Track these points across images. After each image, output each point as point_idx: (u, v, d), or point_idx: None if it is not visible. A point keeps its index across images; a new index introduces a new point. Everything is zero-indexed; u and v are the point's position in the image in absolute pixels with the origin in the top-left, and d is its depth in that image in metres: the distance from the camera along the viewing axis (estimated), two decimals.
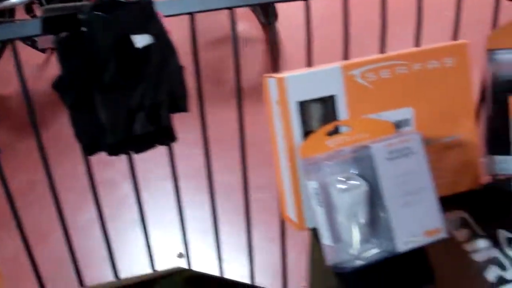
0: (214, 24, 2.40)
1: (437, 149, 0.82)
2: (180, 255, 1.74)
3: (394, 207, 0.71)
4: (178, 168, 1.00)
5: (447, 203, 0.82)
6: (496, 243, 0.77)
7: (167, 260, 1.67)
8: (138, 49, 0.73)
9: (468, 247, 0.78)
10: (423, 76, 0.79)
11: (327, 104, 0.78)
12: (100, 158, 0.85)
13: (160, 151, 0.88)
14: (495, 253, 0.76)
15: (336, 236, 0.72)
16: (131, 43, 0.73)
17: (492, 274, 0.74)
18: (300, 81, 0.76)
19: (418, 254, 0.76)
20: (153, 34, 0.74)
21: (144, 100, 0.74)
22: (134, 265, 1.13)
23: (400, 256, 0.72)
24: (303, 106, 0.77)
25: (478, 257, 0.76)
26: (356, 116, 0.78)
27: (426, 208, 0.72)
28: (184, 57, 0.84)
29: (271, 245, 1.26)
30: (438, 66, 0.80)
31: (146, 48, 0.74)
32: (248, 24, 2.88)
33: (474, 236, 0.79)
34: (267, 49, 2.77)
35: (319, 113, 0.78)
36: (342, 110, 0.78)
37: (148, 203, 1.07)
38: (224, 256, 1.11)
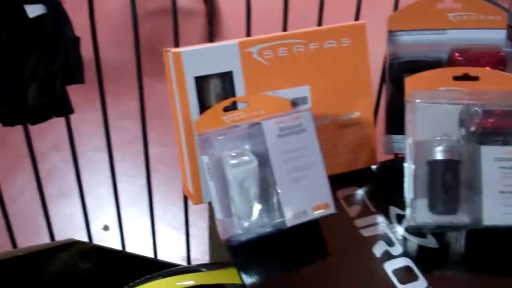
0: None
1: (335, 127, 0.84)
2: (106, 228, 1.74)
3: (283, 183, 0.73)
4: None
5: (343, 180, 0.85)
6: (386, 220, 0.80)
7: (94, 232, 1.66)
8: (30, 18, 0.72)
9: (358, 222, 0.80)
10: (320, 55, 0.81)
11: (225, 80, 0.79)
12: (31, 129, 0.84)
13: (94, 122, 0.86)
14: (385, 229, 0.79)
15: (227, 211, 0.73)
16: (23, 12, 0.72)
17: (379, 249, 0.76)
18: (196, 56, 0.77)
19: (311, 228, 0.78)
20: (46, 4, 0.73)
21: (37, 70, 0.73)
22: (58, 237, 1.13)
23: (292, 230, 0.74)
24: (202, 81, 0.78)
25: (368, 233, 0.79)
26: (253, 92, 0.79)
27: (315, 184, 0.74)
28: (123, 27, 0.83)
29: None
30: (335, 46, 0.81)
31: (39, 17, 0.73)
32: None
33: (366, 212, 0.81)
34: (206, 22, 2.75)
35: (217, 89, 0.79)
36: (240, 86, 0.79)
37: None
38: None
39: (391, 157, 0.94)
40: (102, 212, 1.68)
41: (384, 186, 0.86)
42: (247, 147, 0.75)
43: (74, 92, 0.85)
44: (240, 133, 0.74)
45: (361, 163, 0.86)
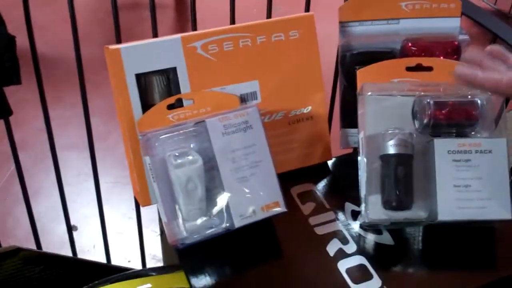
0: None
1: (286, 122, 0.81)
2: (73, 228, 1.70)
3: (230, 182, 0.70)
4: (73, 139, 0.96)
5: (298, 176, 0.82)
6: (341, 217, 0.78)
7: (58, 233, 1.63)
8: None
9: (313, 220, 0.77)
10: (268, 48, 0.78)
11: (169, 77, 0.76)
12: None
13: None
14: (339, 226, 0.76)
15: (173, 213, 0.70)
16: None
17: (333, 248, 0.74)
18: (137, 53, 0.73)
19: (264, 228, 0.75)
20: None
21: None
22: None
23: (243, 230, 0.71)
24: (144, 78, 0.75)
25: (322, 231, 0.76)
26: (198, 89, 0.76)
27: (264, 183, 0.71)
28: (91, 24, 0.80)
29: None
30: (283, 39, 0.78)
31: None
32: None
33: (321, 209, 0.79)
34: (176, 16, 2.71)
35: (161, 86, 0.76)
36: (184, 83, 0.76)
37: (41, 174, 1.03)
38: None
39: (350, 151, 0.91)
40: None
41: (340, 182, 0.83)
42: (192, 146, 0.72)
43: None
44: (184, 132, 0.71)
45: (315, 159, 0.83)
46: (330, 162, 0.86)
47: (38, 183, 1.69)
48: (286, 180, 0.81)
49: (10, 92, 0.83)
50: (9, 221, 1.69)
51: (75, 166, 1.68)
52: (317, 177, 0.83)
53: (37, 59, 0.88)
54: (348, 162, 0.85)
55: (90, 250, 1.64)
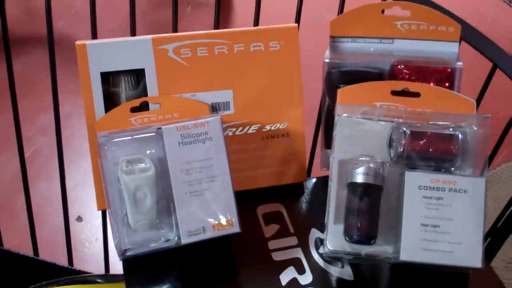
0: None
1: (259, 137, 0.77)
2: (79, 219, 1.70)
3: (181, 195, 0.67)
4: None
5: (267, 195, 0.78)
6: (303, 243, 0.73)
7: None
8: None
9: (272, 244, 0.73)
10: (245, 58, 0.74)
11: (138, 78, 0.73)
12: None
13: None
14: (299, 254, 0.72)
15: (121, 221, 0.67)
16: None
17: (287, 276, 0.69)
18: (104, 50, 0.71)
19: (218, 246, 0.71)
20: None
21: None
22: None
23: (197, 246, 0.68)
24: (110, 78, 0.72)
25: (280, 257, 0.72)
26: (167, 93, 0.73)
27: (219, 199, 0.67)
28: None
29: None
30: (262, 49, 0.74)
31: None
32: None
33: (284, 233, 0.74)
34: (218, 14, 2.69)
35: (127, 87, 0.73)
36: (152, 86, 0.72)
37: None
38: None
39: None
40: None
41: (311, 206, 0.79)
42: (148, 153, 0.68)
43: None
44: (140, 138, 0.68)
45: (289, 178, 0.79)
46: (307, 183, 0.81)
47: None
48: (254, 198, 0.77)
49: (39, 79, 0.82)
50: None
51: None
52: (288, 198, 0.78)
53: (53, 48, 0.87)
54: (325, 185, 0.80)
55: (92, 242, 1.64)
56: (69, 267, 0.90)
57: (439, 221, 0.65)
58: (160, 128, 0.67)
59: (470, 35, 0.79)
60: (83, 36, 0.80)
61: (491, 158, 0.90)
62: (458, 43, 0.77)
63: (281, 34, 0.74)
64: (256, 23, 0.93)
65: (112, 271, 0.98)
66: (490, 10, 2.45)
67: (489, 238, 0.92)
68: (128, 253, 0.67)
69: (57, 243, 1.33)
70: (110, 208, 0.67)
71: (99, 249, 1.41)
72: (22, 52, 2.18)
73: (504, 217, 0.90)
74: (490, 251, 0.93)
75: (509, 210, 0.90)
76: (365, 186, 0.67)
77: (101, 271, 0.96)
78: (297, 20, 0.92)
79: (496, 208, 0.91)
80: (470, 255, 0.65)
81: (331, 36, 0.79)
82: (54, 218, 1.61)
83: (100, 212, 1.04)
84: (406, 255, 0.65)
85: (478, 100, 0.86)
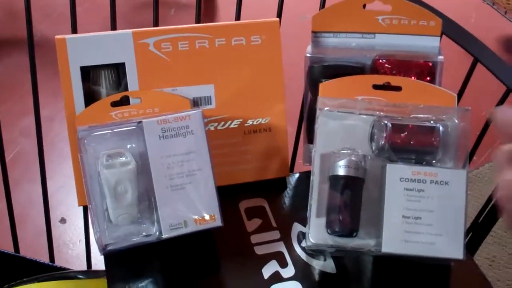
0: None
1: (242, 132, 0.77)
2: (62, 220, 1.69)
3: (162, 189, 0.66)
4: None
5: (250, 189, 0.78)
6: (286, 237, 0.73)
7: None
8: None
9: (255, 238, 0.73)
10: (226, 52, 0.74)
11: (118, 72, 0.72)
12: None
13: None
14: (281, 248, 0.72)
15: (102, 216, 0.67)
16: None
17: (269, 270, 0.69)
18: (84, 44, 0.70)
19: (200, 241, 0.71)
20: None
21: None
22: None
23: (178, 241, 0.67)
24: (90, 72, 0.71)
25: (262, 251, 0.71)
26: (148, 88, 0.72)
27: (200, 193, 0.67)
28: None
29: None
30: (244, 44, 0.74)
31: None
32: None
33: (266, 227, 0.74)
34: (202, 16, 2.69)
35: (108, 82, 0.72)
36: (133, 80, 0.72)
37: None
38: None
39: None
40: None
41: (294, 200, 0.78)
42: (129, 147, 0.68)
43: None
44: (121, 132, 0.68)
45: (271, 173, 0.78)
46: (289, 178, 0.81)
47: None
48: (237, 193, 0.77)
49: (21, 81, 0.81)
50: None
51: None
52: (270, 193, 0.78)
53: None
54: (308, 180, 0.80)
55: (76, 244, 1.62)
56: (50, 263, 0.89)
57: (421, 213, 0.65)
58: (140, 121, 0.67)
59: (451, 30, 0.80)
60: None
61: (471, 154, 0.91)
62: (439, 37, 0.77)
63: (262, 28, 0.74)
64: (238, 18, 0.93)
65: (95, 268, 0.97)
66: (473, 11, 2.47)
67: (470, 233, 0.92)
68: (109, 248, 0.66)
69: (41, 245, 1.31)
70: (90, 203, 0.66)
71: (83, 250, 1.40)
72: (3, 54, 2.17)
73: (485, 212, 0.91)
74: (472, 246, 0.93)
75: (490, 206, 0.90)
76: (347, 178, 0.67)
77: None
78: (279, 15, 0.92)
79: (479, 206, 0.91)
80: (451, 246, 0.65)
81: (313, 31, 0.79)
82: (38, 220, 1.58)
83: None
84: (388, 247, 0.65)
85: (460, 94, 0.86)
